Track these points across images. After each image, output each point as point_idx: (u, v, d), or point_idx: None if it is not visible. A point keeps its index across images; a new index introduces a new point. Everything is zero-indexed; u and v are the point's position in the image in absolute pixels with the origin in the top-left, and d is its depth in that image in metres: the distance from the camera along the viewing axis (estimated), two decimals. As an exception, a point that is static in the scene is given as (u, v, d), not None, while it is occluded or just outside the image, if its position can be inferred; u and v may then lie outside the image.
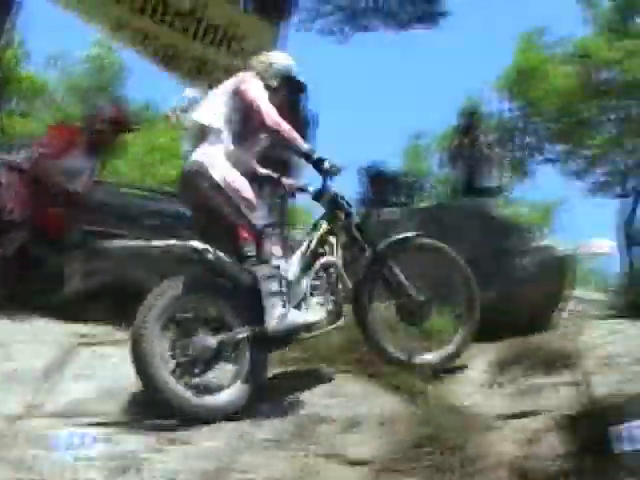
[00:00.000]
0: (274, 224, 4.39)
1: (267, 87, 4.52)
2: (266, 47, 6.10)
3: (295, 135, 4.44)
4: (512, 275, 5.95)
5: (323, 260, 4.45)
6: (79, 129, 5.90)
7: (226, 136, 4.35)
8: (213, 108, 4.45)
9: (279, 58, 4.79)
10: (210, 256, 4.10)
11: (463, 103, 23.02)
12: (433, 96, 46.61)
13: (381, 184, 11.07)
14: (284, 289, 4.15)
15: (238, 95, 4.42)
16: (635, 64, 17.29)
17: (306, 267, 4.42)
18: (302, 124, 7.64)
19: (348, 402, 4.14)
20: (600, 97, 18.59)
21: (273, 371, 4.43)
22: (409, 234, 4.80)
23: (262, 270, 4.13)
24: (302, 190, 4.95)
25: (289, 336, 4.23)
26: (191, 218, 4.67)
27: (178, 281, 3.99)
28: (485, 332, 5.29)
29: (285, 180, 4.91)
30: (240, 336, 4.08)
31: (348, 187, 9.89)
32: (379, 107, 48.27)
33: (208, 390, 4.01)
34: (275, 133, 4.40)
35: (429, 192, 21.59)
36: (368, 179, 11.12)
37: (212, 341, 4.00)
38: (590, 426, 3.67)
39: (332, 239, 4.57)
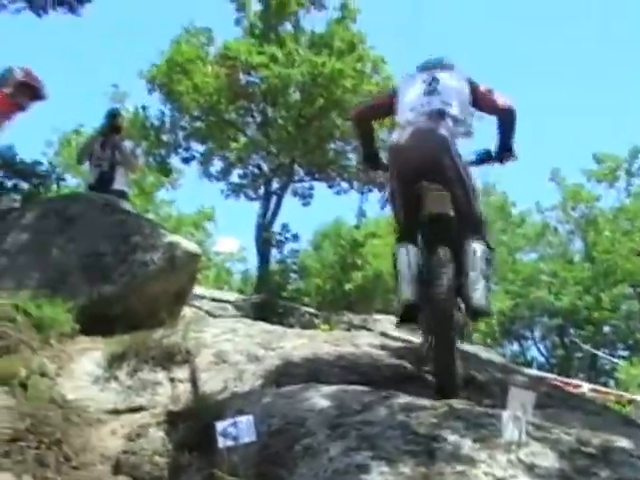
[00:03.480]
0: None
1: None
2: None
3: None
4: (136, 269, 5.91)
5: None
6: (7, 95, 6.14)
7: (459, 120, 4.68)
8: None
9: None
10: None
11: (111, 94, 22.87)
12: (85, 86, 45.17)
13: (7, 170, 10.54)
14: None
15: (471, 85, 4.81)
16: (275, 69, 18.30)
17: None
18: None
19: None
20: (244, 99, 19.39)
21: None
22: None
23: (479, 245, 4.34)
24: None
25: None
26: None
27: None
28: (104, 326, 5.23)
29: None
30: None
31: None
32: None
33: None
34: (510, 114, 4.85)
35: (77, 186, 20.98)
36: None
37: None
38: (195, 422, 3.75)
39: None
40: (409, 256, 4.49)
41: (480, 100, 4.86)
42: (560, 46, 52.32)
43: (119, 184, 8.85)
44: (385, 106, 5.05)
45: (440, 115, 4.63)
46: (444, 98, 4.72)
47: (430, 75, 4.84)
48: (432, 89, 4.76)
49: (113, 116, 9.29)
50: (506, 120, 4.90)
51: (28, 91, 6.29)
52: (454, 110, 4.68)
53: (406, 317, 4.51)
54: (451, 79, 4.82)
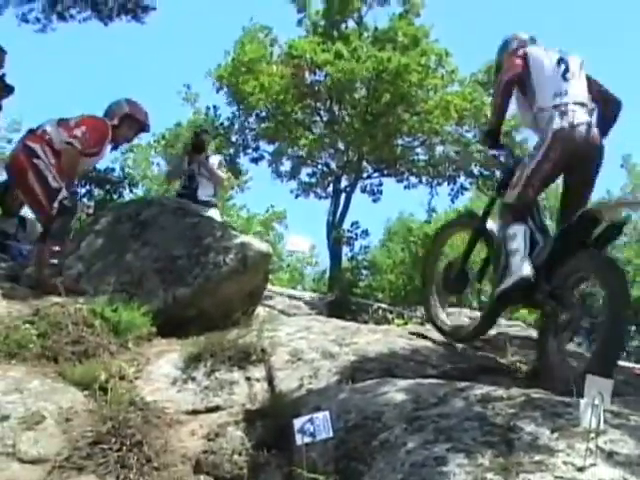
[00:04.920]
0: None
1: None
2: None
3: None
4: (209, 271, 5.97)
5: None
6: (112, 125, 6.34)
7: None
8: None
9: None
10: None
11: (182, 93, 23.10)
12: (159, 91, 46.10)
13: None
14: None
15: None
16: (340, 66, 18.26)
17: None
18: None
19: (28, 398, 3.89)
20: (310, 98, 19.42)
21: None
22: None
23: None
24: None
25: None
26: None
27: None
28: (179, 328, 5.30)
29: None
30: None
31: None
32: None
33: None
34: (619, 108, 4.93)
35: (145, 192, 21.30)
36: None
37: None
38: (273, 420, 3.78)
39: None
40: (526, 235, 4.60)
41: (593, 89, 4.80)
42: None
43: (204, 195, 9.11)
44: (522, 77, 4.81)
45: (589, 109, 4.64)
46: (582, 88, 4.73)
47: (557, 55, 4.79)
48: (569, 75, 4.72)
49: (196, 135, 9.73)
50: (613, 113, 4.89)
51: (134, 123, 6.48)
52: (590, 102, 4.70)
53: (519, 292, 4.55)
54: (580, 65, 4.78)
